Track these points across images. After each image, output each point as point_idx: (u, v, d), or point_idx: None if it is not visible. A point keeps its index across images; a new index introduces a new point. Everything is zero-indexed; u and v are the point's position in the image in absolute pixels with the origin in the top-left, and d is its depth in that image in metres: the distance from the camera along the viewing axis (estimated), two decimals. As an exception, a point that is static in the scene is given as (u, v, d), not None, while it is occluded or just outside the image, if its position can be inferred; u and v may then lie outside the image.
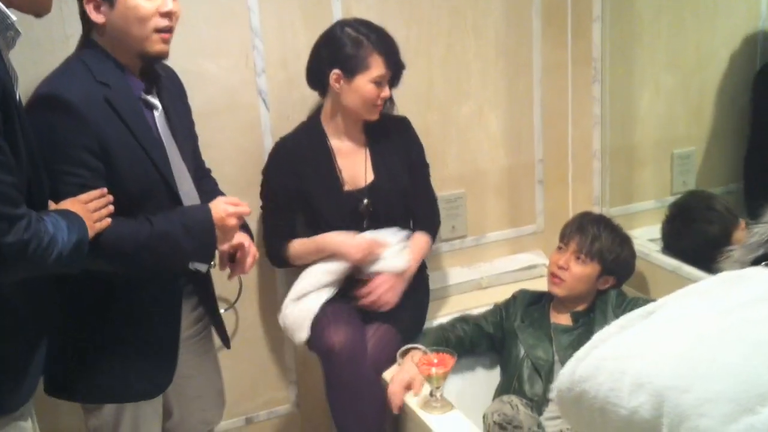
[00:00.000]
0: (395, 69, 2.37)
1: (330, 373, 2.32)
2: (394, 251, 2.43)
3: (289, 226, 2.48)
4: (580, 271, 2.41)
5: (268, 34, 2.49)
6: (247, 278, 2.60)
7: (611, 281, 2.45)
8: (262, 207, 2.50)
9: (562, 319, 2.46)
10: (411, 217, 2.57)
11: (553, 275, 2.45)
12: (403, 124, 2.55)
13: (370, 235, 2.42)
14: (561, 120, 2.98)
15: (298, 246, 2.46)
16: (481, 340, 2.53)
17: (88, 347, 1.94)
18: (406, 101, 2.61)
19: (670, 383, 0.82)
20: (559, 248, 2.47)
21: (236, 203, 1.98)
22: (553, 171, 3.02)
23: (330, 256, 2.40)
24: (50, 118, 1.75)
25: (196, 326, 2.17)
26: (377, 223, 2.46)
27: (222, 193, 2.18)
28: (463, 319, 2.56)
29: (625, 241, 2.48)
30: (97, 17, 1.82)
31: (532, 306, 2.54)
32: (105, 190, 1.78)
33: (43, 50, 2.20)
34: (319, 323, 2.34)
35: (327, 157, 2.44)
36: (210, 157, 2.36)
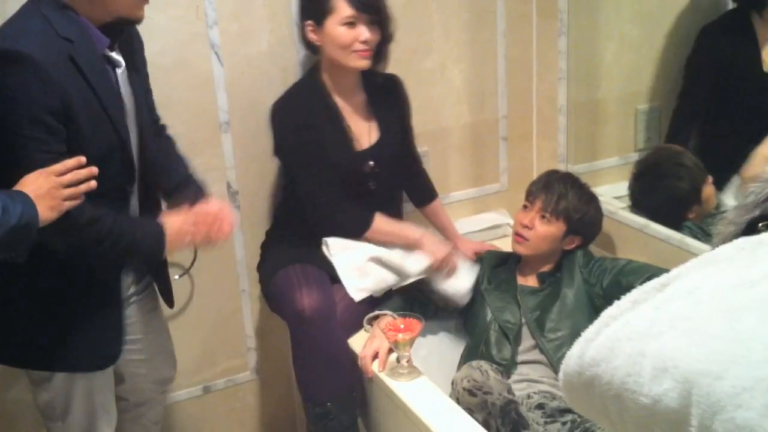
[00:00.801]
0: (363, 8, 2.22)
1: (299, 338, 2.26)
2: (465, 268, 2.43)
3: (334, 182, 2.34)
4: (544, 231, 2.36)
5: (219, -17, 2.35)
6: (202, 242, 2.49)
7: (577, 241, 2.42)
8: (300, 179, 2.35)
9: (529, 281, 2.44)
10: (407, 180, 2.56)
11: (517, 234, 2.41)
12: (395, 82, 2.46)
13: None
14: (525, 74, 2.90)
15: (384, 222, 2.37)
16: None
17: (31, 313, 1.86)
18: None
19: (700, 367, 0.73)
20: (525, 207, 2.43)
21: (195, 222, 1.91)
22: (518, 127, 2.94)
23: (408, 246, 2.38)
24: (9, 75, 1.62)
25: (138, 285, 2.08)
26: (382, 185, 2.41)
27: (179, 154, 2.14)
28: (428, 282, 2.49)
29: (592, 200, 2.44)
30: None
31: (499, 267, 2.50)
32: (83, 159, 1.65)
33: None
34: (288, 285, 2.27)
35: (336, 114, 2.34)
36: (160, 114, 2.23)
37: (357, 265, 2.33)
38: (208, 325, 2.62)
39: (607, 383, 0.82)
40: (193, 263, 2.45)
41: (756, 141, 2.37)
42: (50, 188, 1.58)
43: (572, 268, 2.38)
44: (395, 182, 2.51)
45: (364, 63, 2.27)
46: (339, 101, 2.36)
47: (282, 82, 2.49)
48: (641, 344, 0.80)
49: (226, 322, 2.65)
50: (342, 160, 2.33)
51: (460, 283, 2.44)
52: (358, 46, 2.23)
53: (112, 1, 1.74)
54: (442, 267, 2.38)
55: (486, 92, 2.86)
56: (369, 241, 2.37)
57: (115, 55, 1.83)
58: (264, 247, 2.53)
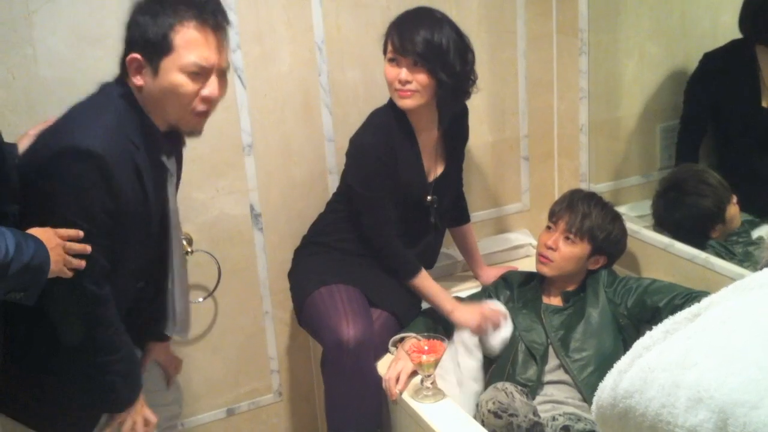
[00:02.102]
0: (401, 51, 2.19)
1: (335, 367, 2.23)
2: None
3: (395, 218, 2.36)
4: (569, 251, 2.35)
5: (242, 8, 2.37)
6: (226, 265, 2.51)
7: (602, 261, 2.40)
8: (367, 211, 2.33)
9: (553, 300, 2.42)
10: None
11: (541, 256, 2.39)
12: (464, 112, 2.47)
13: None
14: (546, 94, 2.90)
15: (426, 280, 2.38)
16: None
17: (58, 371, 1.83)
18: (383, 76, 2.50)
19: (736, 397, 0.73)
20: (548, 228, 2.42)
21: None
22: (539, 147, 2.94)
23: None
24: (79, 169, 1.64)
25: None
26: (440, 216, 2.44)
27: None
28: None
29: (616, 219, 2.43)
30: (136, 79, 1.72)
31: (524, 287, 2.48)
32: (81, 233, 1.66)
33: (4, 28, 2.08)
34: (331, 309, 2.25)
35: (417, 153, 2.35)
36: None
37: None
38: (231, 347, 2.62)
39: (641, 415, 0.82)
40: (217, 285, 2.47)
41: (754, 171, 2.40)
42: (56, 244, 1.60)
43: (597, 288, 2.37)
44: (449, 211, 2.53)
45: (403, 102, 2.24)
46: (418, 136, 2.36)
47: (304, 102, 2.51)
48: (675, 375, 0.80)
49: (250, 344, 2.65)
50: (411, 193, 2.35)
51: (499, 336, 2.39)
52: (397, 85, 2.22)
53: (162, 110, 1.76)
54: (482, 332, 2.35)
55: (507, 112, 2.86)
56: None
57: (167, 162, 1.85)
58: (299, 253, 2.51)
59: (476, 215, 2.86)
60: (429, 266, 2.50)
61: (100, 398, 1.85)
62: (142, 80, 1.72)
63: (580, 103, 2.80)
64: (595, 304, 2.34)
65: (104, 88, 1.78)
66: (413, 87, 2.20)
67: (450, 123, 2.38)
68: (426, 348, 2.17)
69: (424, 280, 2.38)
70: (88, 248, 1.67)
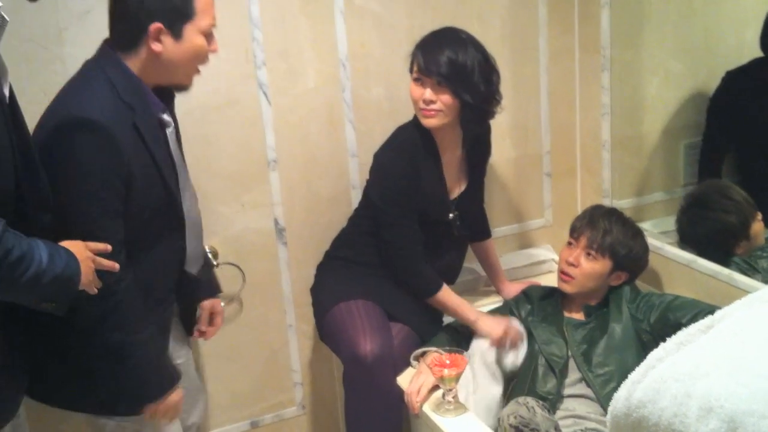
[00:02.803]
0: (426, 71, 2.21)
1: (355, 381, 2.26)
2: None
3: (417, 236, 2.37)
4: (590, 268, 2.35)
5: (267, 25, 2.41)
6: (251, 278, 2.54)
7: (624, 276, 2.40)
8: (388, 227, 2.35)
9: (575, 314, 2.42)
10: None
11: (563, 272, 2.39)
12: (486, 129, 2.49)
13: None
14: (568, 109, 2.91)
15: (448, 294, 2.39)
16: None
17: (91, 358, 1.87)
18: (408, 92, 2.52)
19: (745, 407, 0.74)
20: (569, 243, 2.42)
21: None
22: (561, 163, 2.95)
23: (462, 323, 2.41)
24: (82, 141, 1.71)
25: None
26: (462, 232, 2.46)
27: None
28: None
29: (638, 235, 2.42)
30: (155, 46, 1.79)
31: (545, 300, 2.48)
32: (109, 247, 1.73)
33: (35, 45, 2.12)
34: (349, 324, 2.27)
35: (439, 170, 2.37)
36: (211, 153, 2.29)
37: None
38: (255, 359, 2.64)
39: (654, 424, 0.83)
40: (240, 291, 2.49)
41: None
42: (86, 257, 1.65)
43: (620, 303, 2.36)
44: (470, 227, 2.54)
45: (427, 122, 2.26)
46: (443, 154, 2.38)
47: (328, 118, 2.54)
48: (687, 385, 0.81)
49: (274, 356, 2.67)
50: (433, 210, 2.37)
51: (513, 355, 2.40)
52: (422, 105, 2.24)
53: (176, 71, 1.85)
54: (502, 344, 2.36)
55: (529, 128, 2.87)
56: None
57: (166, 117, 1.92)
58: (321, 268, 2.53)
59: (499, 230, 2.88)
60: (451, 281, 2.51)
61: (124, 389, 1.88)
62: (161, 47, 1.80)
63: (603, 120, 2.80)
64: (618, 319, 2.34)
65: (87, 64, 1.85)
66: (437, 107, 2.22)
67: (473, 141, 2.40)
68: (448, 362, 2.17)
69: (446, 295, 2.39)
70: (116, 266, 1.72)
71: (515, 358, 2.35)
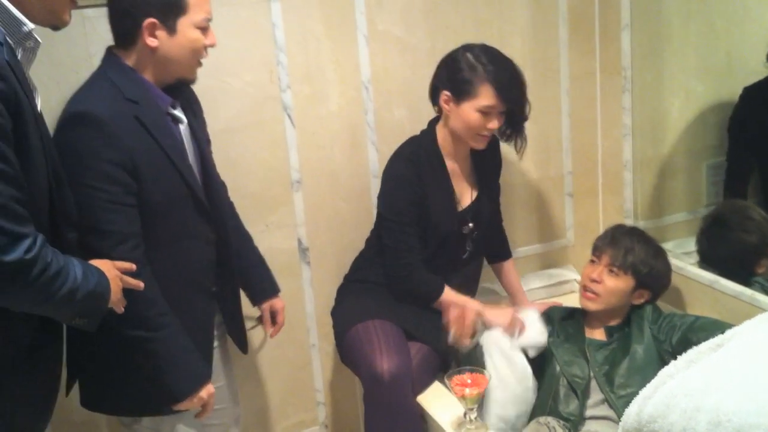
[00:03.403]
0: (509, 103, 2.29)
1: (373, 400, 2.26)
2: (534, 327, 2.42)
3: (419, 246, 2.40)
4: (613, 285, 2.35)
5: (292, 48, 2.46)
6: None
7: (646, 295, 2.39)
8: (389, 232, 2.39)
9: (597, 334, 2.41)
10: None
11: (585, 289, 2.40)
12: (495, 142, 2.52)
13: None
14: (590, 130, 2.93)
15: (451, 294, 2.40)
16: None
17: (121, 358, 1.91)
18: (430, 114, 2.56)
19: (752, 421, 0.75)
20: (592, 261, 2.42)
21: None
22: (583, 183, 2.96)
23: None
24: (80, 134, 1.75)
25: (215, 332, 2.13)
26: (477, 245, 2.48)
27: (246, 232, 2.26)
28: None
29: (660, 254, 2.42)
30: (150, 41, 1.83)
31: (566, 321, 2.48)
32: (134, 267, 1.76)
33: (65, 69, 2.19)
34: (366, 343, 2.29)
35: (445, 178, 2.41)
36: (236, 173, 2.33)
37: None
38: (279, 378, 2.66)
39: None
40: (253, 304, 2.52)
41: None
42: (114, 276, 1.68)
43: (641, 324, 2.36)
44: (485, 242, 2.55)
45: (482, 145, 2.35)
46: (449, 164, 2.42)
47: (351, 140, 2.58)
48: (697, 400, 0.83)
49: (296, 375, 2.69)
50: (443, 221, 2.39)
51: (535, 334, 2.41)
52: (485, 132, 2.31)
53: (174, 66, 1.88)
54: (512, 331, 2.38)
55: (551, 149, 2.90)
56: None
57: (178, 113, 1.95)
58: (341, 291, 2.56)
59: (521, 251, 2.89)
60: (470, 296, 2.52)
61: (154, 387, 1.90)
62: (156, 42, 1.84)
63: (624, 140, 2.82)
64: (640, 340, 2.33)
65: (94, 72, 1.90)
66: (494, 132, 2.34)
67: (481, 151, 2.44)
68: (469, 381, 2.17)
69: (450, 295, 2.40)
70: (141, 285, 1.76)
71: (534, 339, 2.37)
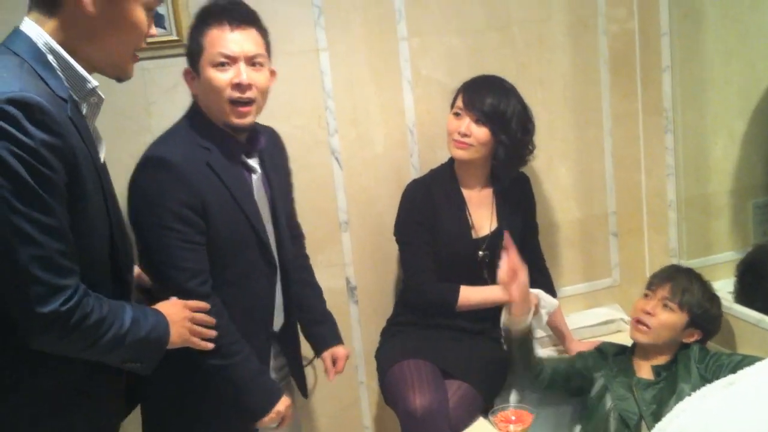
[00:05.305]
0: (468, 106, 2.36)
1: None
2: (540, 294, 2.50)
3: (432, 266, 2.45)
4: (666, 318, 2.33)
5: (339, 94, 2.55)
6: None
7: (697, 335, 2.37)
8: (404, 254, 2.48)
9: (644, 373, 2.39)
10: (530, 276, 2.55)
11: (638, 321, 2.37)
12: (524, 180, 2.59)
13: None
14: (633, 170, 2.95)
15: (469, 290, 2.44)
16: (575, 377, 2.45)
17: (196, 387, 1.97)
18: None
19: None
20: (646, 295, 2.41)
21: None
22: (627, 223, 2.98)
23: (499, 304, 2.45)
24: (154, 176, 1.84)
25: (277, 375, 2.19)
26: (494, 273, 2.47)
27: (316, 284, 2.34)
28: (557, 359, 2.54)
29: (714, 298, 2.41)
30: (192, 87, 1.94)
31: (618, 357, 2.48)
32: (208, 306, 1.84)
33: (125, 117, 2.30)
34: (402, 381, 2.32)
35: (459, 204, 2.48)
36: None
37: None
38: (327, 415, 2.70)
39: None
40: (316, 354, 2.57)
41: None
42: (183, 317, 1.75)
43: (688, 363, 2.33)
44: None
45: (457, 153, 2.41)
46: (466, 192, 2.49)
47: (396, 181, 2.64)
48: None
49: (345, 412, 2.73)
50: (454, 243, 2.44)
51: (547, 296, 2.51)
52: (456, 136, 2.38)
53: (212, 109, 1.92)
54: (528, 306, 2.36)
55: (594, 188, 2.92)
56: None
57: (251, 162, 2.01)
58: (384, 334, 2.60)
59: (566, 290, 2.91)
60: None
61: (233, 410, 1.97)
62: (195, 89, 1.93)
63: (668, 180, 2.83)
64: (687, 379, 2.31)
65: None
66: (470, 141, 2.37)
67: (507, 185, 2.49)
68: (513, 418, 2.17)
69: (468, 294, 2.43)
70: (213, 321, 1.83)
71: (548, 299, 2.47)
